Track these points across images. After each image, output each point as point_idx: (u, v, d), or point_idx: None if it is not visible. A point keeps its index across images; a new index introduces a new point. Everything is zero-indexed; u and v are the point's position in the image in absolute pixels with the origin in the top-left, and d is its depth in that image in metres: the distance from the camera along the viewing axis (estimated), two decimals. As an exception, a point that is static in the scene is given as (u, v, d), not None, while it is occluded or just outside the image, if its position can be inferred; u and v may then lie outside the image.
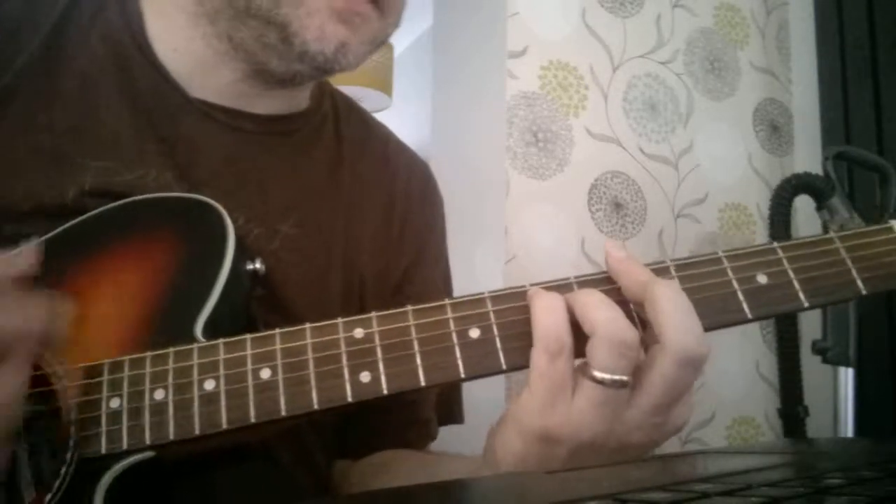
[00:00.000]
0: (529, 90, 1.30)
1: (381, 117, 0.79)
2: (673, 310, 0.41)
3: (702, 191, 1.42)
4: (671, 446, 1.30)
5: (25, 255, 0.41)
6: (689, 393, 0.44)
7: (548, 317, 0.42)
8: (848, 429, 0.96)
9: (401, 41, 2.66)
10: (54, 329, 0.41)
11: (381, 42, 0.60)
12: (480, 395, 0.49)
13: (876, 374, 1.18)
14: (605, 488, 0.32)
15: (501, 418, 0.46)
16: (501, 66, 1.30)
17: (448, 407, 0.72)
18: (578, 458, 0.43)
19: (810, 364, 1.02)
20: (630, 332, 0.41)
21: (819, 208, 0.95)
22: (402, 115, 2.39)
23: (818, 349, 0.95)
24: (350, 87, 2.09)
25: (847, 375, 0.96)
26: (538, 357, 0.42)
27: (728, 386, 1.39)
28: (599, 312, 0.42)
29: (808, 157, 1.47)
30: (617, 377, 0.41)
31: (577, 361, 0.43)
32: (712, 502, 0.26)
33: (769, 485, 0.29)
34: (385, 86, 2.34)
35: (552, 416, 0.42)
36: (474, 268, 1.30)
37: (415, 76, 2.54)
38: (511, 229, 1.25)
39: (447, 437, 0.72)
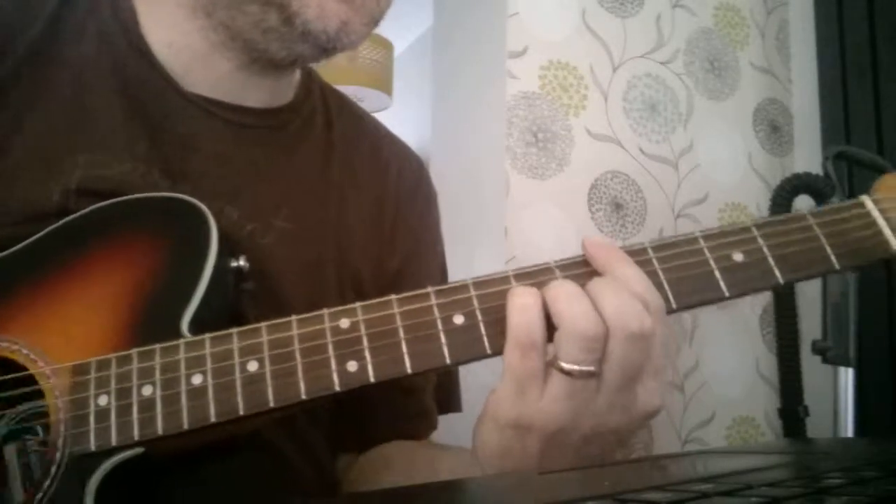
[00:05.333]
0: (529, 90, 1.30)
1: (380, 117, 0.79)
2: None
3: (702, 191, 1.42)
4: (671, 446, 1.31)
5: None
6: (653, 374, 0.45)
7: (520, 316, 0.44)
8: (848, 429, 0.96)
9: (401, 41, 2.66)
10: None
11: (378, 20, 0.61)
12: (480, 384, 0.50)
13: (876, 374, 1.17)
14: (605, 488, 0.32)
15: (481, 412, 0.47)
16: (501, 66, 1.30)
17: (446, 396, 0.72)
18: (554, 445, 0.44)
19: (810, 364, 1.02)
20: (594, 327, 0.42)
21: (819, 208, 0.95)
22: (402, 115, 2.38)
23: (818, 349, 0.95)
24: (350, 87, 2.09)
25: (847, 375, 0.96)
26: (510, 352, 0.44)
27: (728, 386, 1.39)
28: (566, 306, 0.43)
29: (808, 157, 1.47)
30: (585, 368, 0.43)
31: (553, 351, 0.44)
32: (712, 502, 0.26)
33: (769, 485, 0.29)
34: (385, 86, 2.34)
35: (524, 406, 0.44)
36: (474, 268, 1.30)
37: (415, 76, 2.54)
38: (511, 229, 1.25)
39: (448, 429, 0.72)
